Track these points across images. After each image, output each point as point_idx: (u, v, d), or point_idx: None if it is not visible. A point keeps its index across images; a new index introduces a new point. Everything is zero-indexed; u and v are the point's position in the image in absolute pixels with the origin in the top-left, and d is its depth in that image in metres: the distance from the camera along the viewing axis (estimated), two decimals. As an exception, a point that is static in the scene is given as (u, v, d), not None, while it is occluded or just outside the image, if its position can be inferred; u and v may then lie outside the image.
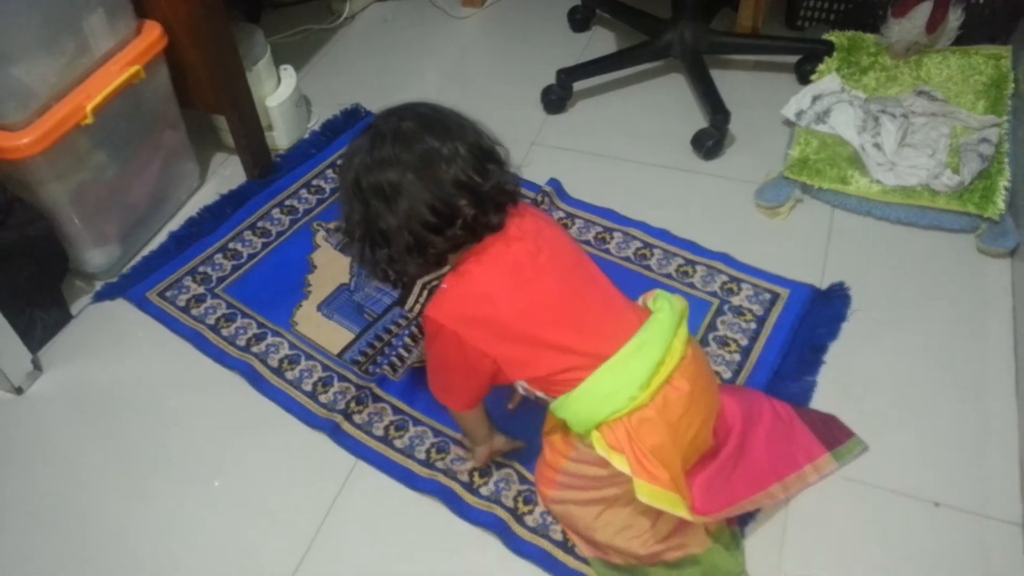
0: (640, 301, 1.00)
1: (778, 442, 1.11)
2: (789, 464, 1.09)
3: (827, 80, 1.65)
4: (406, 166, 0.86)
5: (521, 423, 1.17)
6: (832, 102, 1.58)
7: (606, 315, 0.94)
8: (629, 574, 1.01)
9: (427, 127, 0.88)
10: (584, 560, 1.04)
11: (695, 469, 1.00)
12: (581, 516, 1.01)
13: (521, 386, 0.96)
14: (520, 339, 0.91)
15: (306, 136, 1.73)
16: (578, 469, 0.98)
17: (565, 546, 1.06)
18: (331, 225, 1.52)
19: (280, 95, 1.64)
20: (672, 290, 1.34)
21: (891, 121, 1.51)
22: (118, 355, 1.34)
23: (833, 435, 1.14)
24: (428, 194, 0.86)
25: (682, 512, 0.92)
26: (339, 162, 0.94)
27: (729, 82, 1.74)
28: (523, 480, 1.13)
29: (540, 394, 0.95)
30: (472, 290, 0.92)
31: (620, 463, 0.89)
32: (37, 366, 1.31)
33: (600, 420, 0.90)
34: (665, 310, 0.94)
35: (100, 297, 1.42)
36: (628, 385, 0.89)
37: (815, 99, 1.60)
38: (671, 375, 0.91)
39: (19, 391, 1.28)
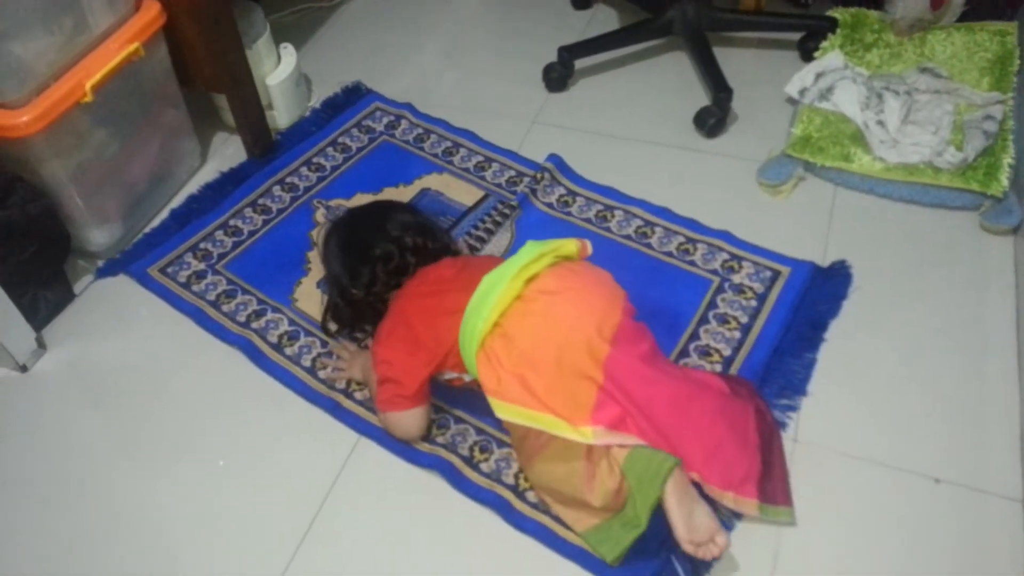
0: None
1: (733, 440, 1.04)
2: (723, 472, 1.02)
3: (830, 57, 1.63)
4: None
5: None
6: (835, 79, 1.57)
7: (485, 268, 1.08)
8: (609, 529, 1.00)
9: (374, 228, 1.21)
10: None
11: (633, 338, 1.05)
12: (551, 471, 1.01)
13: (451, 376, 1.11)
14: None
15: (306, 114, 1.72)
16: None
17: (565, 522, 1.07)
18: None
19: (280, 73, 1.64)
20: (673, 268, 1.36)
21: (894, 98, 1.50)
22: (121, 332, 1.34)
23: (775, 491, 1.05)
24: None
25: (551, 427, 0.99)
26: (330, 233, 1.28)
27: (732, 60, 1.73)
28: (524, 456, 1.13)
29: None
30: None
31: (482, 377, 1.02)
32: (41, 344, 1.31)
33: (476, 349, 1.02)
34: (529, 244, 1.07)
35: (102, 273, 1.42)
36: (479, 307, 1.02)
37: (818, 76, 1.59)
38: (528, 287, 1.04)
39: (24, 369, 1.29)
